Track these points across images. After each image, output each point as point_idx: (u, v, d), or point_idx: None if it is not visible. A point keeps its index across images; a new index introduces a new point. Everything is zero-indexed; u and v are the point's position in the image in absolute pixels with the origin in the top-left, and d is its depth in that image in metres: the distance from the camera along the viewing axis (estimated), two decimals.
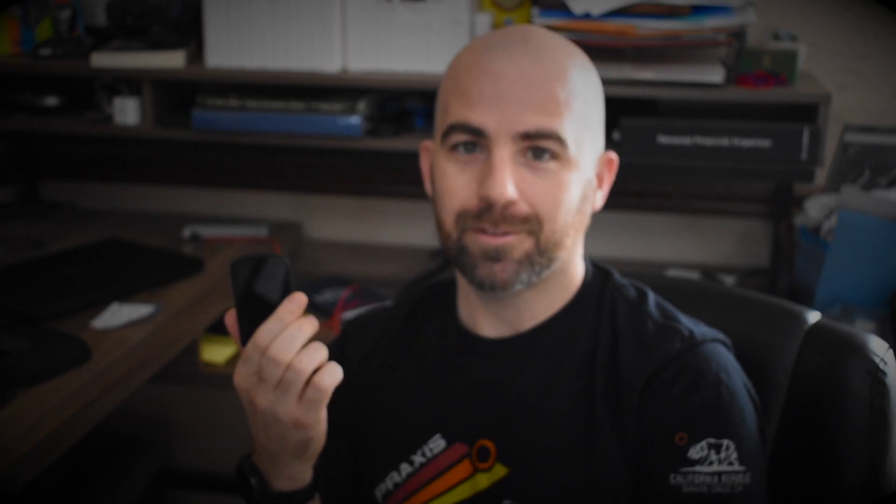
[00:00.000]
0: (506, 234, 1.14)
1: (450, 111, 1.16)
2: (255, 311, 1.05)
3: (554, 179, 1.14)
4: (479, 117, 1.13)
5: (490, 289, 1.16)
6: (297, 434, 1.08)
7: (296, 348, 1.04)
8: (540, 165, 1.14)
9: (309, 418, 1.07)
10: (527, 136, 1.12)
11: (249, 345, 1.05)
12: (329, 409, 1.13)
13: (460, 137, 1.14)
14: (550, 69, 1.15)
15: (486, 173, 1.13)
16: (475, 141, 1.14)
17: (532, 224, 1.14)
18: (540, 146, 1.13)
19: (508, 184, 1.12)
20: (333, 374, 1.06)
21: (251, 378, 1.06)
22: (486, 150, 1.14)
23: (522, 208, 1.13)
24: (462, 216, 1.15)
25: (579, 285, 1.24)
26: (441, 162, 1.17)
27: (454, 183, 1.15)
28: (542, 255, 1.15)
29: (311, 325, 1.05)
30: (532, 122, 1.12)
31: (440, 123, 1.18)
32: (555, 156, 1.14)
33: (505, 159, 1.12)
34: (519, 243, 1.14)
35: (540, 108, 1.13)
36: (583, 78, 1.18)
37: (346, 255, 2.55)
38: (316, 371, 1.05)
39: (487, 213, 1.13)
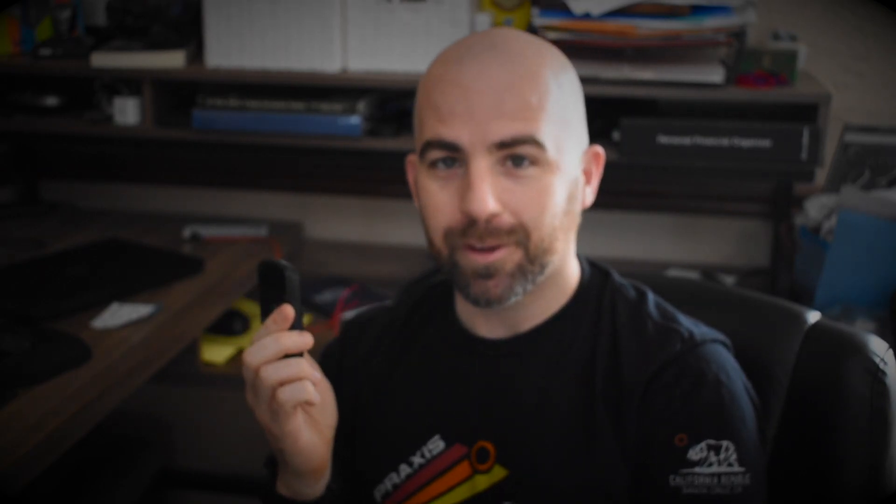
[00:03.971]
0: (494, 248, 1.12)
1: (425, 127, 1.14)
2: (266, 312, 1.09)
3: (536, 185, 1.12)
4: (452, 132, 1.10)
5: (486, 305, 1.15)
6: (272, 440, 1.11)
7: (262, 357, 1.05)
8: (520, 173, 1.11)
9: (275, 428, 1.09)
10: (503, 145, 1.10)
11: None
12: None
13: (437, 154, 1.12)
14: (521, 74, 1.12)
15: (465, 188, 1.10)
16: (453, 156, 1.12)
17: (518, 234, 1.12)
18: (518, 153, 1.11)
19: (488, 197, 1.09)
20: (296, 392, 1.06)
21: None
22: (465, 164, 1.11)
23: (507, 219, 1.11)
24: (449, 234, 1.13)
25: (576, 285, 1.23)
26: (423, 180, 1.15)
27: (437, 201, 1.13)
28: (534, 264, 1.14)
29: (292, 338, 1.06)
30: (506, 130, 1.10)
31: (417, 140, 1.16)
32: (534, 161, 1.11)
33: (483, 172, 1.10)
34: (509, 256, 1.12)
35: (513, 115, 1.10)
36: (556, 77, 1.15)
37: (346, 255, 2.55)
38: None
39: (472, 228, 1.11)
